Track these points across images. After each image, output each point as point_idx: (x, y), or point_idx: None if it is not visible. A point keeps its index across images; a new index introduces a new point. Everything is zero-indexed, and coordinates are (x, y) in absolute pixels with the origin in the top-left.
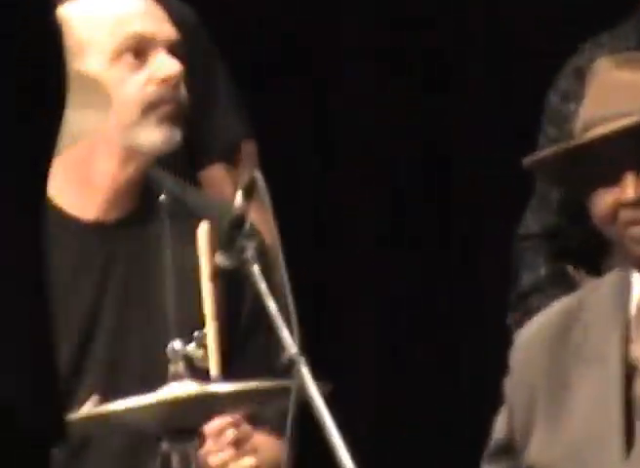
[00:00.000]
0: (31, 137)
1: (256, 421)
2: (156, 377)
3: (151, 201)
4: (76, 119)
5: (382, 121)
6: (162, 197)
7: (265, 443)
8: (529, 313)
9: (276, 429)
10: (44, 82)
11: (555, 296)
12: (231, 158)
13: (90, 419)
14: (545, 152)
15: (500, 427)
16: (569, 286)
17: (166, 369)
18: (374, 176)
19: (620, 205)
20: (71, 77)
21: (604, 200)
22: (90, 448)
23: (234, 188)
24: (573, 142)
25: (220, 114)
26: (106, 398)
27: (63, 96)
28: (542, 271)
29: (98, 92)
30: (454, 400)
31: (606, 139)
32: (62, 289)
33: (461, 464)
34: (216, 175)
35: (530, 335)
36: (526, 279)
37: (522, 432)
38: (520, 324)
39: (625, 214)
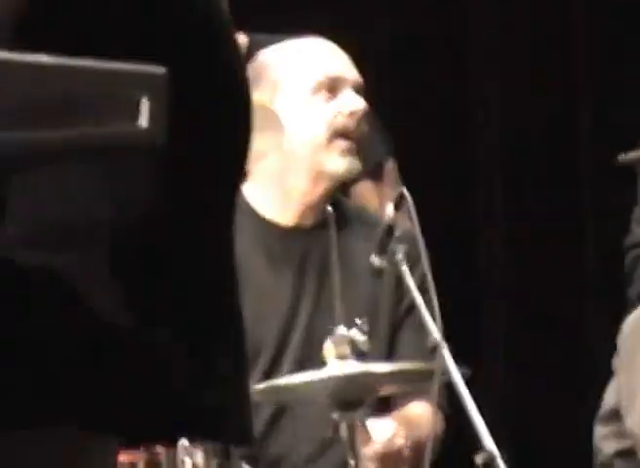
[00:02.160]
0: (232, 156)
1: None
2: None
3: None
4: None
5: None
6: (329, 208)
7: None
8: None
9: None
10: (239, 112)
11: None
12: (376, 175)
13: (274, 391)
14: None
15: (609, 396)
16: None
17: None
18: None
19: None
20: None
21: None
22: (285, 416)
23: (379, 200)
24: None
25: (366, 137)
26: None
27: (251, 122)
28: None
29: (273, 120)
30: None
31: None
32: (267, 281)
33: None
34: (364, 189)
35: (632, 324)
36: None
37: (626, 401)
38: None
39: None
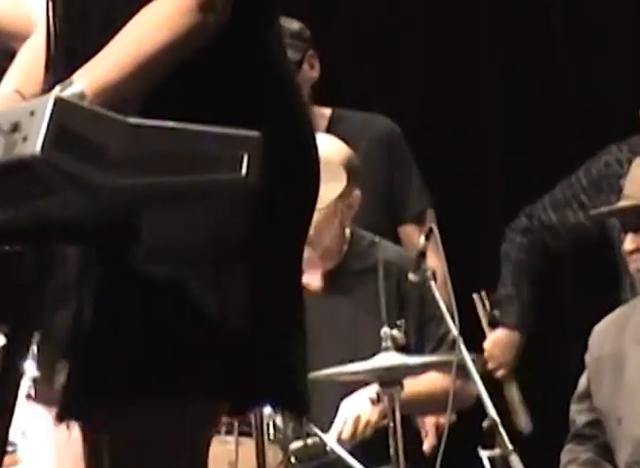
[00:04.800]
0: (305, 199)
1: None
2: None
3: None
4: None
5: None
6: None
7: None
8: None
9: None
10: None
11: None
12: (420, 220)
13: (332, 375)
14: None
15: (582, 382)
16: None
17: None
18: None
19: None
20: None
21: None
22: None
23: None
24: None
25: (413, 189)
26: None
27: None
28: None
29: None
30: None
31: (619, 210)
32: None
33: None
34: (410, 231)
35: (600, 328)
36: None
37: (594, 386)
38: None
39: (628, 257)
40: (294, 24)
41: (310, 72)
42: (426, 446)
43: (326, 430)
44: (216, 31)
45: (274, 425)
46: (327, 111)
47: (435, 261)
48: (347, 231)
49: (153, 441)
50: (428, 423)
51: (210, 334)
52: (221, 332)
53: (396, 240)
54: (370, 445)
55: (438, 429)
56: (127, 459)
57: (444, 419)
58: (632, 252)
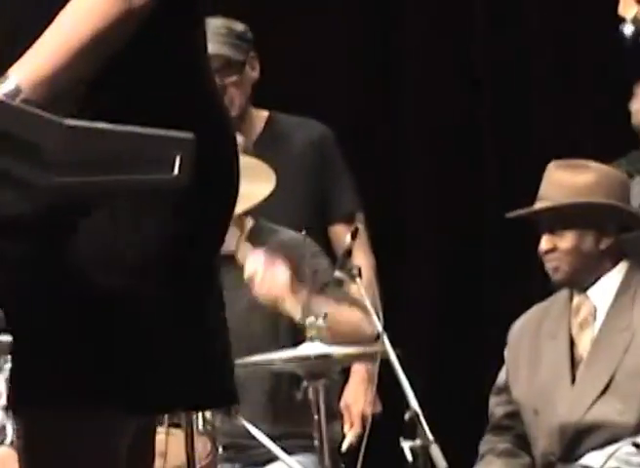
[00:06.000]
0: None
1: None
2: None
3: None
4: None
5: None
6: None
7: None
8: None
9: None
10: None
11: None
12: (349, 222)
13: (257, 364)
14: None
15: (501, 376)
16: None
17: None
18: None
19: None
20: None
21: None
22: (245, 389)
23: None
24: (528, 209)
25: (344, 191)
26: None
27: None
28: None
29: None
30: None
31: (535, 212)
32: None
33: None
34: (340, 231)
35: (518, 325)
36: None
37: (512, 379)
38: None
39: (544, 257)
40: (238, 26)
41: (252, 73)
42: (352, 436)
43: (255, 421)
44: (145, 16)
45: (203, 417)
46: (264, 113)
47: (362, 260)
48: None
49: (66, 443)
50: (354, 413)
51: (130, 339)
52: (143, 336)
53: (326, 240)
54: (293, 434)
55: (363, 419)
56: (38, 461)
57: (371, 409)
58: (547, 252)
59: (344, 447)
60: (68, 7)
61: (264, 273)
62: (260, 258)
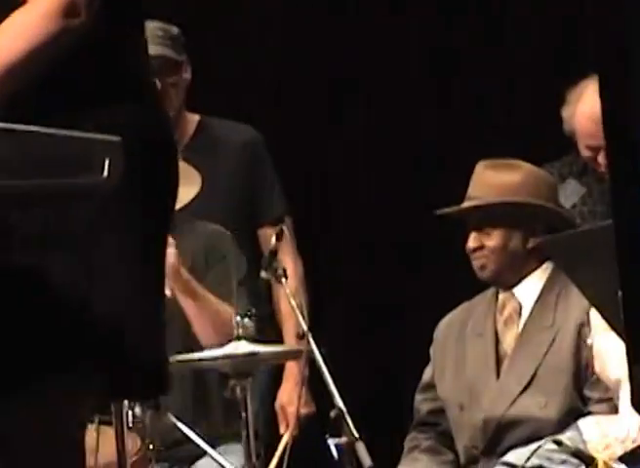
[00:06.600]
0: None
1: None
2: None
3: None
4: None
5: None
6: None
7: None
8: None
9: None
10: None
11: None
12: (278, 224)
13: (184, 362)
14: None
15: (426, 373)
16: None
17: None
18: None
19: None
20: None
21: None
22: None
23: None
24: (456, 207)
25: (274, 195)
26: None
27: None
28: None
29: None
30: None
31: (462, 210)
32: None
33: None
34: (269, 234)
35: (444, 323)
36: None
37: (438, 376)
38: None
39: (471, 255)
40: (173, 29)
41: (186, 75)
42: (287, 436)
43: (184, 418)
44: (82, 34)
45: (133, 414)
46: (195, 117)
47: (289, 262)
48: None
49: (19, 433)
50: (290, 414)
51: (73, 329)
52: (85, 327)
53: (254, 241)
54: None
55: (299, 419)
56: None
57: (304, 410)
58: (475, 250)
59: (280, 448)
60: (6, 22)
61: None
62: None
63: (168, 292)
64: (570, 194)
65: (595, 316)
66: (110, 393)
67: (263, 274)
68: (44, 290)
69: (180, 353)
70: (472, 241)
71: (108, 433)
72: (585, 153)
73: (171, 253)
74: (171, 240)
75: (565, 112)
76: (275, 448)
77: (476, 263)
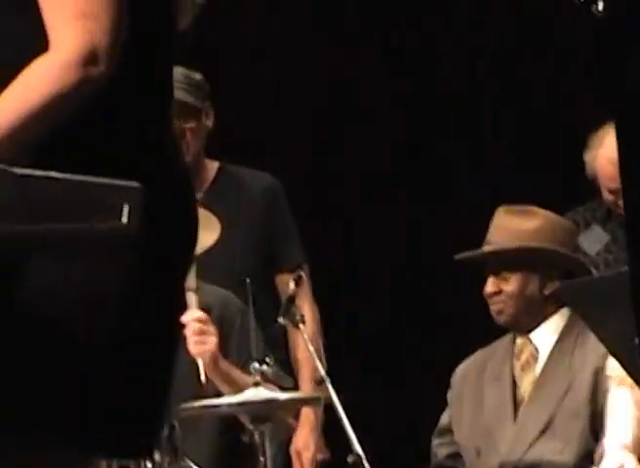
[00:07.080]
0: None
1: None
2: None
3: None
4: None
5: None
6: None
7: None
8: None
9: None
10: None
11: None
12: (295, 271)
13: (204, 408)
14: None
15: (444, 418)
16: None
17: None
18: None
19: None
20: None
21: None
22: (192, 432)
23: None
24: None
25: (292, 243)
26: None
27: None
28: None
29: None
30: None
31: (481, 255)
32: None
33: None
34: (285, 280)
35: (462, 368)
36: None
37: (455, 421)
38: None
39: (488, 299)
40: (196, 75)
41: (207, 122)
42: None
43: (202, 463)
44: (103, 84)
45: (152, 459)
46: (215, 164)
47: (306, 310)
48: None
49: None
50: (306, 460)
51: (78, 383)
52: (90, 382)
53: (271, 287)
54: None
55: (315, 465)
56: None
57: (319, 456)
58: (492, 294)
59: None
60: (26, 71)
61: (195, 337)
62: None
63: (203, 379)
64: (593, 241)
65: (612, 365)
66: (107, 455)
67: (281, 320)
68: (48, 339)
69: (194, 399)
70: (490, 286)
71: None
72: (607, 197)
73: (212, 341)
74: (212, 328)
75: (587, 156)
76: None
77: (494, 308)
